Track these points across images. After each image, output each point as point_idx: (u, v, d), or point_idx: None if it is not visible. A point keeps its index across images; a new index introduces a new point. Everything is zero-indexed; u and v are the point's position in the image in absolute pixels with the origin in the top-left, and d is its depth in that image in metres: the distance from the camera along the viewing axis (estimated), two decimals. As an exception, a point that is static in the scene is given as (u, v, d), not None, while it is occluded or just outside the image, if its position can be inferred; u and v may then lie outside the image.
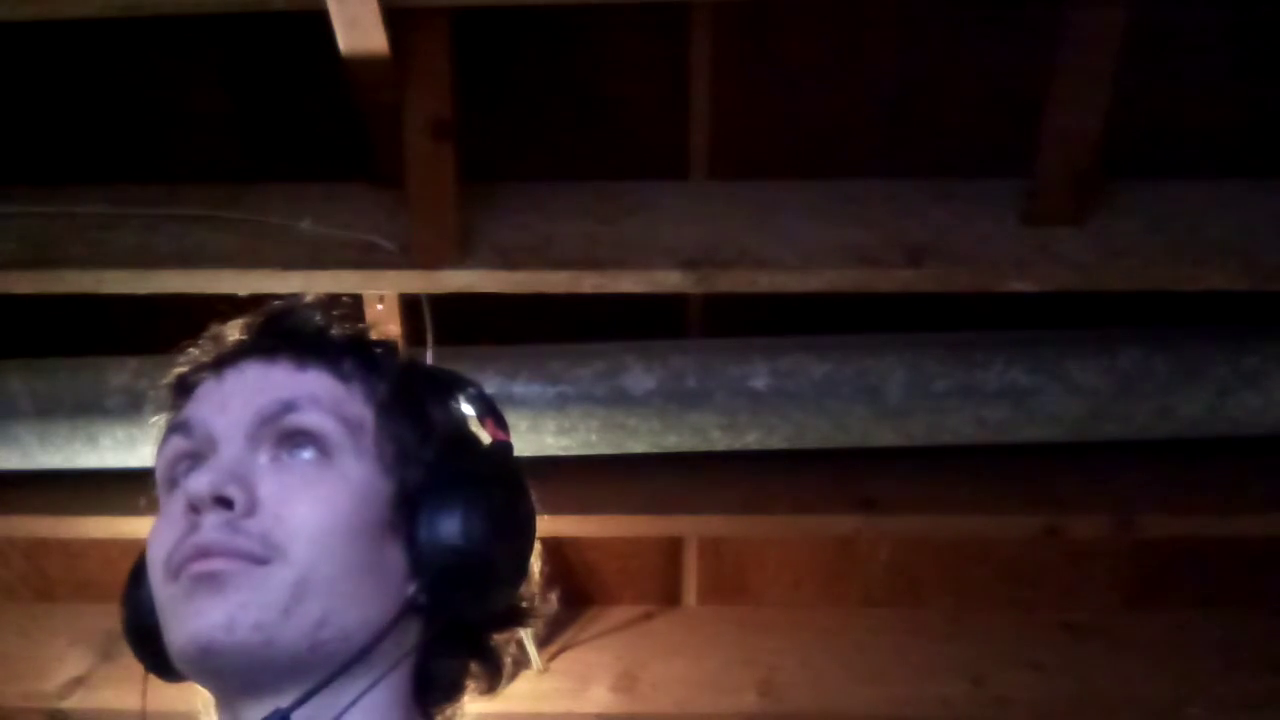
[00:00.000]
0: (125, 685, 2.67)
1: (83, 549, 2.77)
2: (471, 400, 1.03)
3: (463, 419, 1.03)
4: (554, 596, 1.05)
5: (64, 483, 2.37)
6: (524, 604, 1.02)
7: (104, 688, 2.71)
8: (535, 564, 1.02)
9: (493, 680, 1.02)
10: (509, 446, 1.03)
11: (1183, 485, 2.37)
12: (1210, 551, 2.66)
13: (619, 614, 2.81)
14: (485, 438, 1.03)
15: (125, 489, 2.28)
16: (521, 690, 2.62)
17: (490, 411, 1.03)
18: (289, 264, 1.96)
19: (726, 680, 2.73)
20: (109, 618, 2.77)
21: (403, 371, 1.02)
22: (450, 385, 1.04)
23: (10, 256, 1.99)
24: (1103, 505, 2.40)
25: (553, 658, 2.72)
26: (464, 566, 0.94)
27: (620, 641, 2.78)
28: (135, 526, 2.35)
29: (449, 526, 0.94)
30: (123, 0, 1.70)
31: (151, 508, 0.98)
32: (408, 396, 1.00)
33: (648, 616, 2.81)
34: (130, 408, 2.13)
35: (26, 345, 2.24)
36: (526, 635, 1.06)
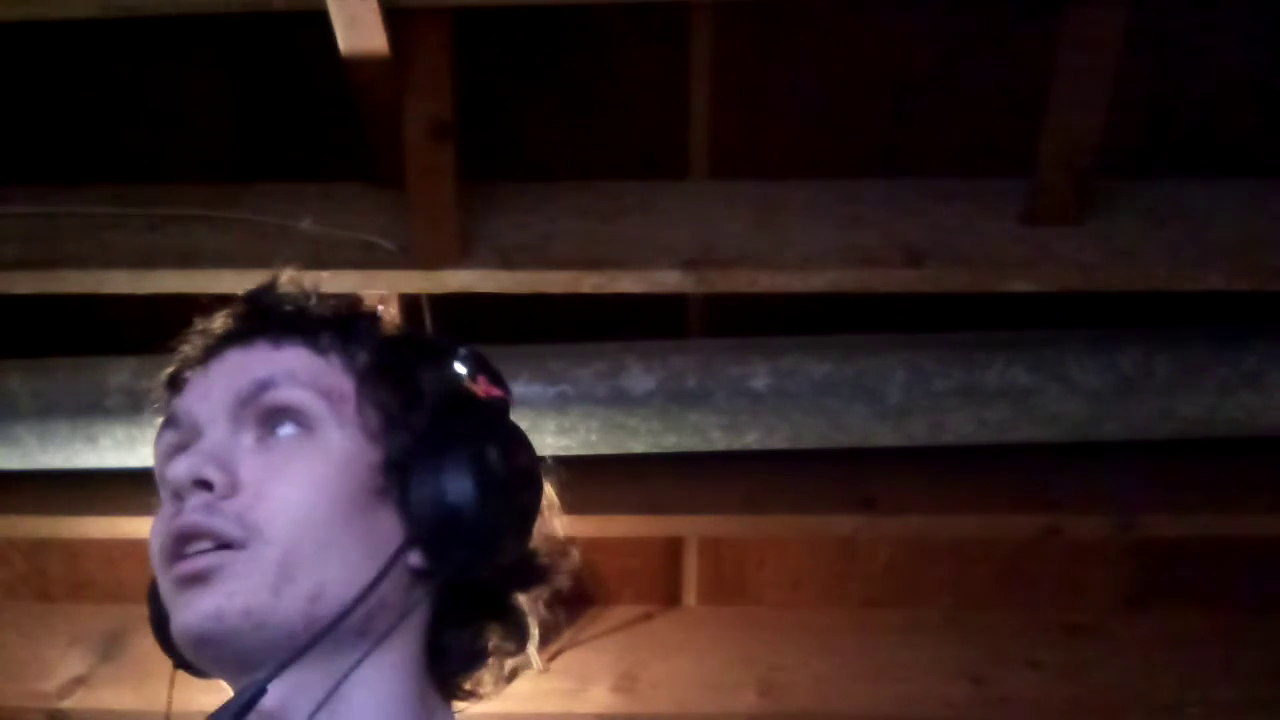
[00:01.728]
0: (125, 685, 2.67)
1: (83, 549, 2.77)
2: (462, 360, 1.01)
3: (454, 379, 1.01)
4: (576, 552, 1.03)
5: (64, 483, 2.37)
6: (539, 559, 1.01)
7: (104, 688, 2.71)
8: (548, 518, 1.00)
9: (519, 641, 1.00)
10: (504, 402, 1.02)
11: (1183, 485, 2.37)
12: (1210, 551, 2.66)
13: (619, 614, 2.81)
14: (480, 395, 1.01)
15: (125, 489, 2.31)
16: (521, 690, 2.61)
17: (482, 369, 1.01)
18: (289, 264, 1.96)
19: (726, 680, 2.73)
20: (109, 618, 2.81)
21: (384, 339, 1.01)
22: (438, 348, 1.02)
23: (10, 256, 1.99)
24: (1103, 505, 2.40)
25: (553, 658, 2.72)
26: (455, 521, 0.93)
27: (620, 641, 2.78)
28: (135, 526, 2.35)
29: (436, 482, 0.93)
30: (122, 0, 1.70)
31: (155, 507, 0.98)
32: (391, 363, 0.99)
33: (648, 616, 2.81)
34: (130, 408, 2.13)
35: (26, 345, 2.24)
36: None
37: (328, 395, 0.95)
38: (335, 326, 0.99)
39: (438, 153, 1.87)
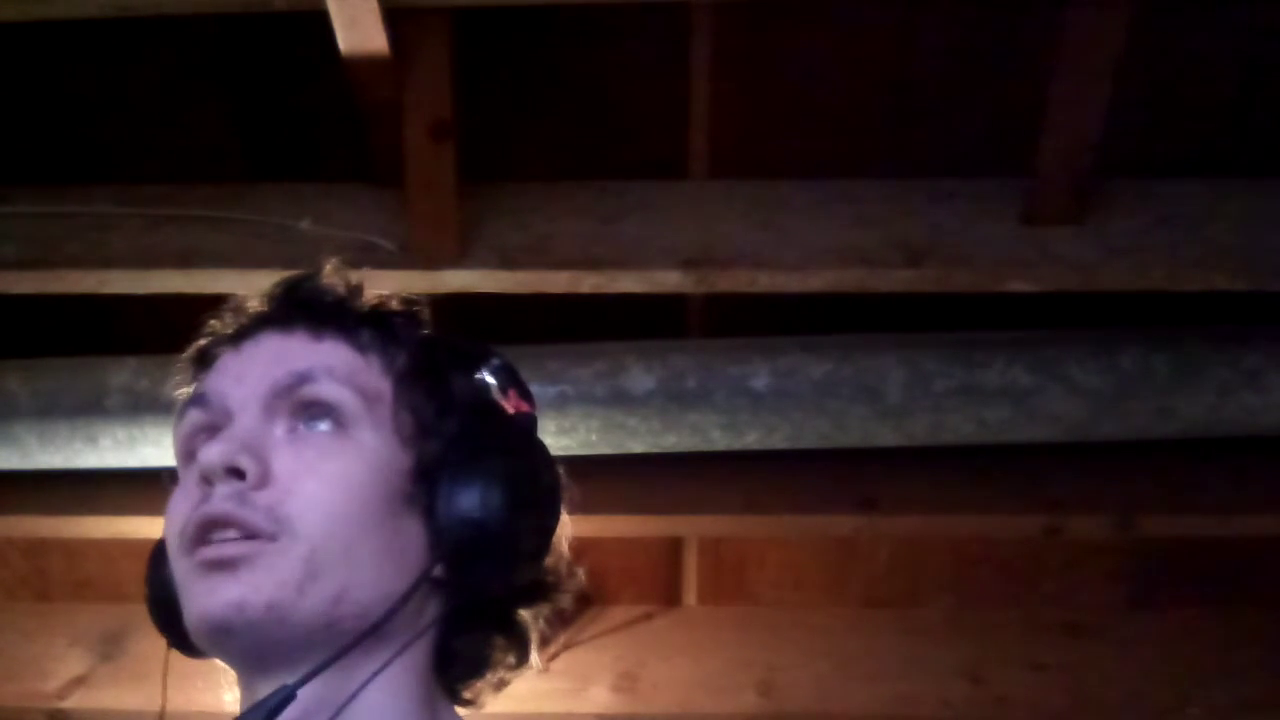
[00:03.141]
0: (125, 685, 2.67)
1: (83, 549, 2.77)
2: (494, 371, 1.01)
3: (486, 390, 1.01)
4: (582, 572, 1.03)
5: (64, 483, 2.37)
6: (550, 578, 1.01)
7: (104, 688, 2.71)
8: (561, 537, 1.00)
9: (520, 656, 1.01)
10: (532, 418, 1.03)
11: (1183, 485, 2.37)
12: (1210, 551, 2.66)
13: (619, 614, 2.81)
14: (509, 409, 1.01)
15: (125, 489, 2.31)
16: (521, 690, 2.60)
17: (513, 382, 1.02)
18: (289, 264, 1.94)
19: (726, 680, 2.73)
20: (109, 618, 2.82)
21: (422, 342, 1.00)
22: (472, 356, 1.02)
23: (10, 256, 1.99)
24: (1103, 505, 2.40)
25: (553, 658, 2.72)
26: (482, 539, 0.93)
27: (620, 641, 2.78)
28: (135, 526, 2.36)
29: (467, 499, 0.93)
30: (122, 0, 1.70)
31: (162, 498, 0.96)
32: (427, 368, 0.98)
33: (648, 616, 2.81)
34: (130, 408, 2.12)
35: (26, 345, 2.24)
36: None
37: (365, 395, 0.94)
38: (376, 325, 0.99)
39: (438, 153, 1.87)
